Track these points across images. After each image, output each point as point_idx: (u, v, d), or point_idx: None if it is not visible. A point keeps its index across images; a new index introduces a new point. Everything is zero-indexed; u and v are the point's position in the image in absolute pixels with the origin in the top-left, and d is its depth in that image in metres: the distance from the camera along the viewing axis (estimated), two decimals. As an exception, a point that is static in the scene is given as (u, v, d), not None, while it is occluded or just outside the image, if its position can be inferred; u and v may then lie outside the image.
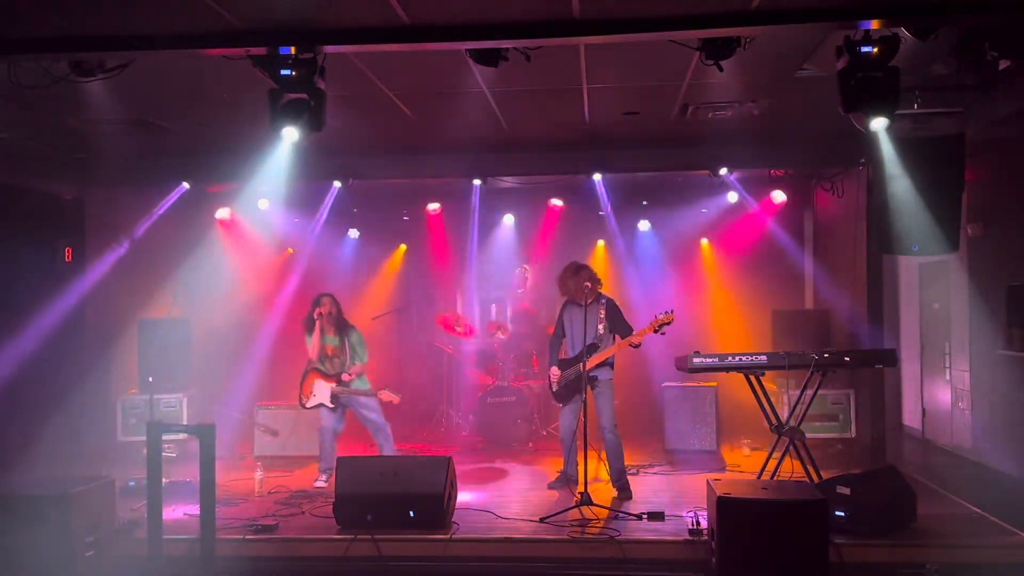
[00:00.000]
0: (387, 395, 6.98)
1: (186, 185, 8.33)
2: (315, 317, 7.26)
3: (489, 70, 5.00)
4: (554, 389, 6.91)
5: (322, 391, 7.19)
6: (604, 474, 6.95)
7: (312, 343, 7.29)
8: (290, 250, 10.10)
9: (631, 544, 5.31)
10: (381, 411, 7.28)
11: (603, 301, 6.78)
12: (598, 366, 6.60)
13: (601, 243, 10.11)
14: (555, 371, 6.87)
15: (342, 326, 7.39)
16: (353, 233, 10.41)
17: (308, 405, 7.24)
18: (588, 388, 6.36)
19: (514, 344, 9.37)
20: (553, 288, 10.32)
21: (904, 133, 5.74)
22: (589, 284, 6.55)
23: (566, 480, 6.86)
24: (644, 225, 9.98)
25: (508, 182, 8.73)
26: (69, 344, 7.97)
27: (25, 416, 7.22)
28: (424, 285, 10.33)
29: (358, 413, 7.29)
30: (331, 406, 7.18)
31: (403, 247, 10.69)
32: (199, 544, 4.96)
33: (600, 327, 6.68)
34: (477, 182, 8.47)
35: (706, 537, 5.20)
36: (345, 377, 7.19)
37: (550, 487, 6.95)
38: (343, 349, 7.33)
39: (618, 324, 6.73)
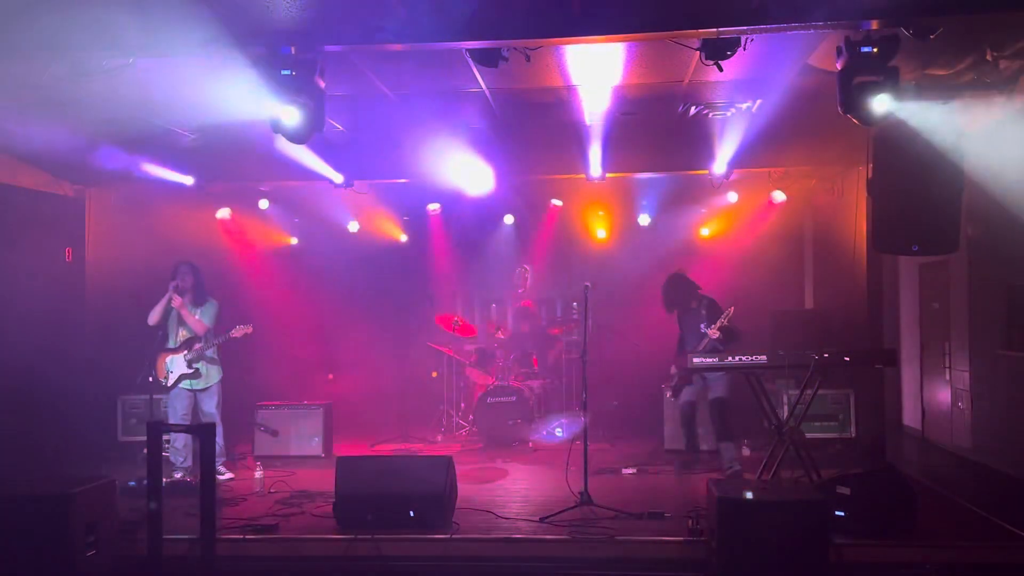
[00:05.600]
0: (239, 330, 7.04)
1: (188, 183, 8.33)
2: (171, 289, 7.13)
3: (489, 70, 5.00)
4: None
5: (177, 364, 7.17)
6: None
7: (157, 310, 7.15)
8: (292, 240, 10.22)
9: (631, 544, 5.31)
10: (219, 404, 7.28)
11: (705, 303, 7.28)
12: None
13: (601, 242, 10.10)
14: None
15: (199, 297, 7.30)
16: (353, 226, 10.36)
17: (170, 383, 7.17)
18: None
19: (514, 344, 9.36)
20: (553, 288, 10.44)
21: (904, 133, 5.74)
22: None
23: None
24: (644, 224, 9.97)
25: (508, 182, 8.72)
26: (69, 344, 7.97)
27: (25, 416, 7.21)
28: (424, 285, 10.33)
29: (197, 407, 7.25)
30: (190, 371, 7.14)
31: (402, 245, 10.69)
32: (199, 544, 4.96)
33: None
34: (477, 181, 8.45)
35: (706, 537, 5.19)
36: (189, 317, 7.10)
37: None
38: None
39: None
